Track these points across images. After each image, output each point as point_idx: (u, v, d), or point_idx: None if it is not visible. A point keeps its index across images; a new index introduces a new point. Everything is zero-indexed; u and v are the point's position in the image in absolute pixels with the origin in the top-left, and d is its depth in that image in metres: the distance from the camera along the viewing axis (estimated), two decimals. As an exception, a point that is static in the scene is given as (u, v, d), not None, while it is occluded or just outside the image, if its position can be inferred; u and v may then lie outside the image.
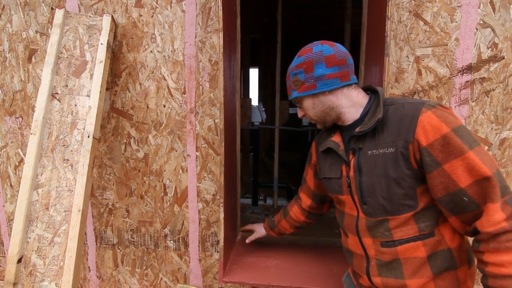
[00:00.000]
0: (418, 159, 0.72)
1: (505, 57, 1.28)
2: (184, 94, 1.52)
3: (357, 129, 0.81)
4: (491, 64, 1.30)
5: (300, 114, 0.95)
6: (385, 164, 0.76)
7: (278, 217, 1.28)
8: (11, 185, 1.75)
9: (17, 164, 1.72)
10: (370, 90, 0.89)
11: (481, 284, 0.69)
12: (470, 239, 0.76)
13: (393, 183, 0.75)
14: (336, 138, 0.90)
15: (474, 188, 0.66)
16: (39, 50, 1.60)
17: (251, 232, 1.39)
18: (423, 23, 1.31)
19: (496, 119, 1.33)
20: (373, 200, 0.79)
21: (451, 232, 0.76)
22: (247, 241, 1.36)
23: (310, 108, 0.88)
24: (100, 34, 1.44)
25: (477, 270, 0.76)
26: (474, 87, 1.32)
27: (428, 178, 0.72)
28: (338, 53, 0.83)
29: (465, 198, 0.67)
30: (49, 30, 1.57)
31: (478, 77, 1.31)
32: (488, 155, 0.68)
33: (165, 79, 1.52)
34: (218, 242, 1.61)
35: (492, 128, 1.34)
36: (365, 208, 0.81)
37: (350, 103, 0.85)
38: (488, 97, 1.32)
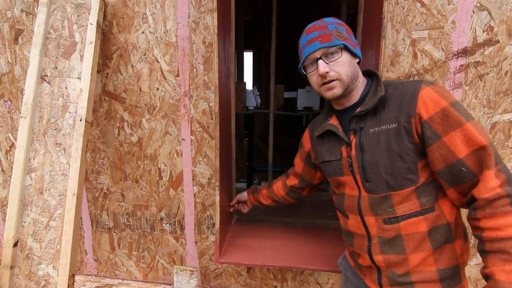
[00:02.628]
0: (420, 132, 0.75)
1: (500, 41, 1.28)
2: (178, 76, 1.49)
3: (359, 109, 0.82)
4: (486, 47, 1.30)
5: (325, 69, 0.81)
6: (388, 139, 0.78)
7: (262, 187, 1.36)
8: (3, 170, 1.73)
9: (8, 148, 1.69)
10: (366, 75, 0.91)
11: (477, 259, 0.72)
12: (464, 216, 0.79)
13: (396, 157, 0.77)
14: (334, 122, 0.91)
15: (472, 158, 0.69)
16: (25, 30, 1.54)
17: (242, 207, 1.47)
18: (420, 5, 1.30)
19: (489, 103, 1.34)
20: (376, 176, 0.81)
21: (449, 207, 0.79)
22: (231, 203, 1.45)
23: (347, 65, 0.82)
24: (89, 14, 1.39)
25: (472, 245, 0.78)
26: (468, 71, 1.32)
27: (429, 151, 0.74)
28: None
29: (463, 168, 0.70)
30: (36, 9, 1.50)
31: (472, 61, 1.31)
32: (482, 127, 0.71)
33: (158, 61, 1.48)
34: (213, 225, 1.63)
35: (484, 112, 1.35)
36: (368, 185, 0.83)
37: (361, 81, 0.87)
38: (481, 81, 1.33)
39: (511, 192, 0.66)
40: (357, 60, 0.86)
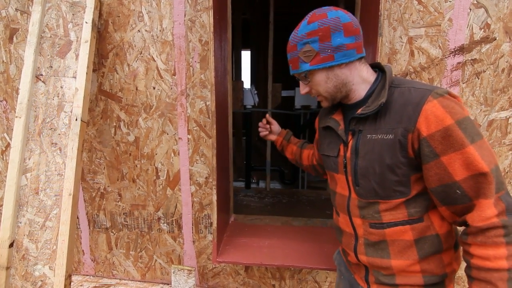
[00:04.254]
0: (416, 148, 0.70)
1: (497, 38, 1.28)
2: (174, 75, 1.48)
3: (359, 111, 0.78)
4: (483, 45, 1.29)
5: (304, 91, 0.84)
6: (381, 150, 0.74)
7: (295, 140, 1.28)
8: (-2, 170, 1.71)
9: (4, 149, 1.68)
10: (377, 68, 0.85)
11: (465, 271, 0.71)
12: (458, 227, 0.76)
13: (387, 169, 0.74)
14: (337, 116, 0.88)
15: (469, 182, 0.65)
16: (20, 30, 1.53)
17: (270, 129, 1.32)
18: (417, 2, 1.29)
19: (486, 101, 1.34)
20: (365, 183, 0.78)
21: (440, 219, 0.76)
22: (262, 123, 1.31)
23: (322, 83, 0.80)
24: (84, 12, 1.38)
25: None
26: (465, 68, 1.32)
27: (424, 168, 0.71)
28: (354, 21, 0.77)
29: (458, 191, 0.67)
30: (30, 7, 1.49)
31: (469, 58, 1.31)
32: (489, 150, 0.66)
33: (154, 60, 1.48)
34: (211, 224, 1.63)
35: (481, 110, 1.35)
36: (357, 189, 0.81)
37: (361, 79, 0.80)
38: (478, 78, 1.33)
39: (507, 223, 0.63)
40: (342, 65, 0.77)
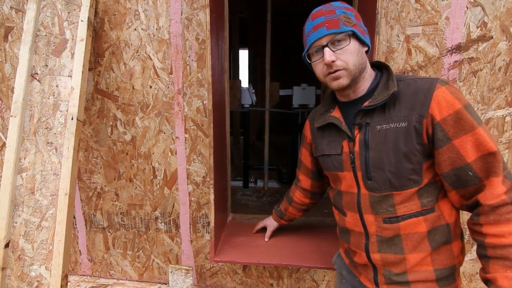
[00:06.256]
0: (430, 134, 0.72)
1: (494, 37, 1.28)
2: (171, 74, 1.47)
3: (367, 103, 0.78)
4: (480, 43, 1.30)
5: (331, 58, 0.75)
6: (396, 138, 0.75)
7: (284, 205, 1.27)
8: (-6, 170, 1.70)
9: (-1, 148, 1.67)
10: (375, 67, 0.86)
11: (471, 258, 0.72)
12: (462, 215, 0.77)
13: (403, 157, 0.75)
14: (336, 114, 0.86)
15: (479, 163, 0.68)
16: (15, 28, 1.51)
17: (264, 229, 1.38)
18: (414, 0, 1.29)
19: (482, 99, 1.34)
20: (379, 175, 0.78)
21: (449, 208, 0.78)
22: (266, 239, 1.35)
23: (354, 53, 0.77)
24: (80, 10, 1.36)
25: (466, 241, 0.78)
26: (462, 67, 1.32)
27: (437, 153, 0.73)
28: None
29: (470, 173, 0.69)
30: (25, 6, 1.48)
31: (466, 57, 1.31)
32: (491, 133, 0.70)
33: (151, 59, 1.47)
34: (209, 223, 1.62)
35: (478, 108, 1.36)
36: (370, 183, 0.80)
37: (368, 72, 0.82)
38: (475, 77, 1.33)
39: None
40: (366, 48, 0.80)
